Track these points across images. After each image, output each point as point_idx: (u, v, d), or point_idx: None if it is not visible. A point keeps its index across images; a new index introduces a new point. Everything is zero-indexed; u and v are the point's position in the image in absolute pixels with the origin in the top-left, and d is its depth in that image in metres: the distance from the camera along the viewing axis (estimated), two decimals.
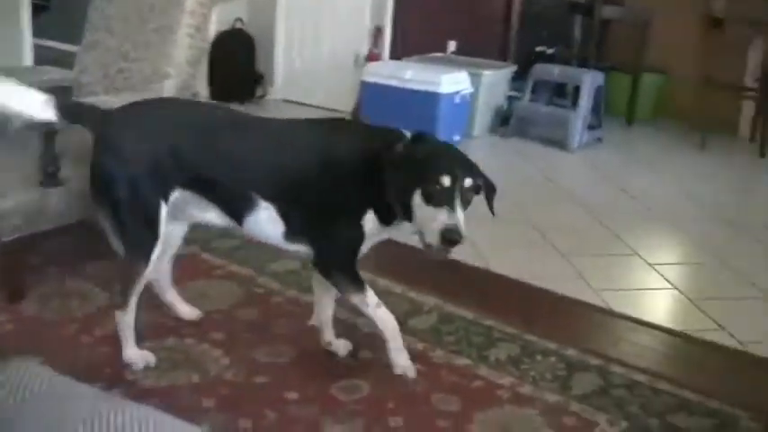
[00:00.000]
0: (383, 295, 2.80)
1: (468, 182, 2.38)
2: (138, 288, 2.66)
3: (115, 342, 2.79)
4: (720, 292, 3.76)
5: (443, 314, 3.17)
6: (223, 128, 2.63)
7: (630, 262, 4.04)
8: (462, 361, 2.85)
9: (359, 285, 2.61)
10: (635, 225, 4.57)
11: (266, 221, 2.60)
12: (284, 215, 2.58)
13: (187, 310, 3.05)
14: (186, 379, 2.64)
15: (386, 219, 2.56)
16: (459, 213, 2.33)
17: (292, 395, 2.58)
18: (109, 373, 2.64)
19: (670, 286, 3.79)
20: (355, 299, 2.63)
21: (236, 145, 2.58)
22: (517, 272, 3.70)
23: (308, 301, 3.19)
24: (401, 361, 2.68)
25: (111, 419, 1.14)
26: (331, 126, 2.79)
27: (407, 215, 2.46)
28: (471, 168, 2.45)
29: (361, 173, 2.51)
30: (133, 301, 2.67)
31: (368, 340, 2.92)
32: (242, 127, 2.67)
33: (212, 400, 2.54)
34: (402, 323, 2.82)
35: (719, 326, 3.37)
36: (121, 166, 2.54)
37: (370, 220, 2.56)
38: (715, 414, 2.64)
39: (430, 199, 2.35)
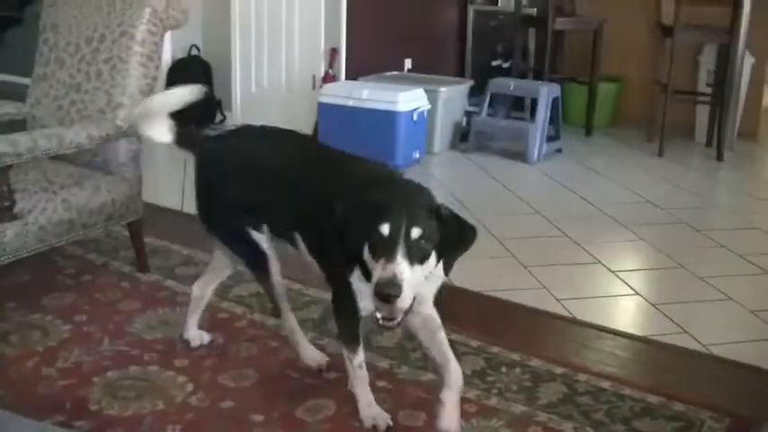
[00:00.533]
0: None
1: (416, 232, 2.09)
2: (279, 292, 2.82)
3: (77, 374, 2.78)
4: (682, 296, 3.80)
5: (408, 331, 3.16)
6: (284, 159, 2.65)
7: (593, 270, 4.06)
8: (428, 376, 2.85)
9: (353, 343, 2.52)
10: (596, 233, 4.60)
11: (305, 253, 2.65)
12: (310, 251, 2.61)
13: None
14: (151, 407, 2.62)
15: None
16: (401, 265, 2.05)
17: (257, 418, 2.58)
18: (71, 406, 2.61)
19: (632, 292, 3.82)
20: (345, 351, 2.54)
21: (284, 176, 2.60)
22: (480, 285, 3.71)
23: (273, 324, 3.19)
24: (372, 412, 2.56)
25: None
26: (334, 164, 2.58)
27: None
28: (422, 216, 2.14)
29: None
30: (284, 306, 2.86)
31: (333, 361, 2.92)
32: (297, 158, 2.67)
33: (178, 426, 2.52)
34: (367, 341, 2.82)
35: (682, 329, 3.40)
36: (210, 193, 2.78)
37: (357, 280, 2.35)
38: (679, 417, 2.66)
39: (374, 252, 2.12)
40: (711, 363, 3.15)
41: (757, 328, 3.47)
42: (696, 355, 3.19)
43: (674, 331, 3.39)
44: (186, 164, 5.69)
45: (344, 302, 2.44)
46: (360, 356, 2.53)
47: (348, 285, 2.38)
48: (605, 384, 2.84)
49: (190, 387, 2.75)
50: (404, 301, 2.05)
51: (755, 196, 5.64)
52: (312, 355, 2.90)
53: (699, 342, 3.28)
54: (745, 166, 6.50)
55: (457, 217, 2.25)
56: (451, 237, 2.20)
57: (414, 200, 2.21)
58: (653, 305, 3.66)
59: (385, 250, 2.07)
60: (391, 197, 2.19)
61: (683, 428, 2.60)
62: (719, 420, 2.63)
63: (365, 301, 2.35)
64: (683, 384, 2.93)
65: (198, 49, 6.85)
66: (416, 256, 2.09)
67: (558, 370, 2.93)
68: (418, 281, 2.12)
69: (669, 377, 3.03)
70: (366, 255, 2.15)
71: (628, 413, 2.68)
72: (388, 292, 2.02)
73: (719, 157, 6.51)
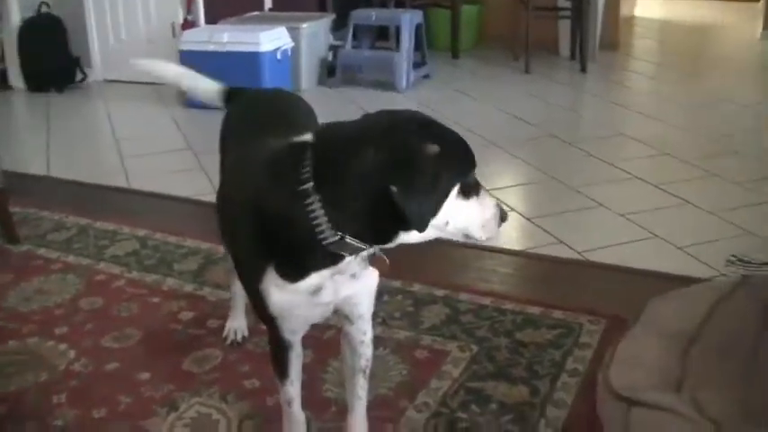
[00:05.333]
0: None
1: None
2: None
3: None
4: (557, 208, 3.89)
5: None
6: None
7: None
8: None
9: (277, 372, 2.03)
10: None
11: None
12: None
13: None
14: (34, 379, 2.55)
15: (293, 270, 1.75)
16: None
17: (144, 376, 2.54)
18: None
19: (508, 209, 3.87)
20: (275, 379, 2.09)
21: None
22: None
23: (151, 280, 3.15)
24: None
25: None
26: None
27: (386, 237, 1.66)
28: None
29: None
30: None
31: (215, 310, 2.90)
32: None
33: (63, 395, 2.46)
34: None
35: (558, 239, 3.49)
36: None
37: (272, 282, 1.77)
38: (559, 324, 2.74)
39: (469, 191, 1.67)
40: (587, 269, 3.24)
41: (627, 230, 3.58)
42: (572, 263, 3.28)
43: (551, 242, 3.48)
44: (49, 127, 5.52)
45: (265, 320, 1.92)
46: (287, 390, 2.06)
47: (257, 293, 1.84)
48: (486, 301, 2.90)
49: (72, 354, 2.69)
50: None
51: (619, 104, 5.79)
52: (232, 325, 2.73)
53: (574, 250, 3.38)
54: (608, 76, 6.67)
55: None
56: None
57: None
58: (529, 219, 3.74)
59: (478, 183, 1.70)
60: (446, 130, 1.73)
61: (563, 335, 2.67)
62: (596, 323, 2.72)
63: (298, 312, 1.86)
64: (562, 293, 3.01)
65: (47, 5, 6.58)
66: None
67: (440, 292, 2.97)
68: None
69: (548, 287, 3.11)
70: (453, 202, 1.63)
71: (510, 326, 2.74)
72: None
73: (583, 69, 6.66)
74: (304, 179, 1.61)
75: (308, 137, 1.70)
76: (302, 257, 1.70)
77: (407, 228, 1.61)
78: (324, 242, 1.63)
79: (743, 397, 1.87)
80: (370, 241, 1.66)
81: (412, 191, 1.55)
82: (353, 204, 1.60)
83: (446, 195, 1.61)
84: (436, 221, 1.61)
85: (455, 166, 1.63)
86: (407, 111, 1.78)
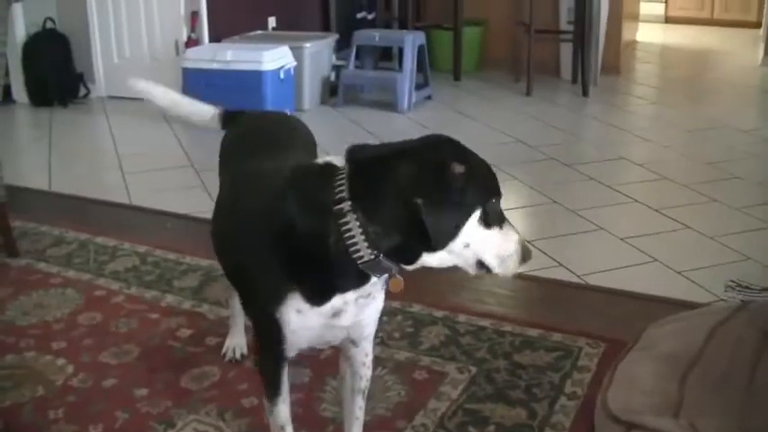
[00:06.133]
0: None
1: None
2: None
3: None
4: (556, 231, 3.89)
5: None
6: None
7: None
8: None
9: (270, 389, 1.98)
10: None
11: None
12: None
13: None
14: (30, 394, 2.54)
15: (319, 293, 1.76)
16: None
17: (142, 392, 2.53)
18: None
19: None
20: (264, 401, 2.03)
21: None
22: None
23: (151, 296, 3.14)
24: None
25: None
26: None
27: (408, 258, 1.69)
28: None
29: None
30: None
31: (214, 327, 2.90)
32: None
33: (60, 410, 2.45)
34: None
35: (557, 262, 3.48)
36: None
37: (293, 309, 1.76)
38: (557, 347, 2.74)
39: (492, 220, 1.69)
40: (586, 292, 3.24)
41: (627, 254, 3.58)
42: (572, 286, 3.28)
43: (550, 265, 3.47)
44: (51, 141, 5.53)
45: (264, 335, 1.91)
46: (278, 414, 1.99)
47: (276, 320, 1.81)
48: (486, 323, 2.90)
49: (70, 369, 2.68)
50: None
51: (620, 128, 5.80)
52: (231, 342, 2.73)
53: (574, 273, 3.37)
54: (609, 100, 6.68)
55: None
56: None
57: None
58: (528, 242, 3.72)
59: (502, 213, 1.72)
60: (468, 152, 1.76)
61: (561, 357, 2.67)
62: (596, 346, 2.72)
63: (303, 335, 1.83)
64: (561, 315, 3.01)
65: (53, 21, 6.61)
66: None
67: (439, 313, 2.97)
68: None
69: (547, 310, 3.11)
70: (473, 227, 1.66)
71: (509, 348, 2.74)
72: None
73: (585, 93, 6.68)
74: (339, 199, 1.64)
75: (332, 158, 1.75)
76: (332, 279, 1.71)
77: (429, 248, 1.64)
78: (359, 261, 1.65)
79: (740, 423, 1.86)
80: (399, 261, 1.69)
81: (434, 205, 1.60)
82: (389, 221, 1.63)
83: (467, 217, 1.64)
84: (455, 244, 1.64)
85: (479, 188, 1.66)
86: (437, 134, 1.82)
